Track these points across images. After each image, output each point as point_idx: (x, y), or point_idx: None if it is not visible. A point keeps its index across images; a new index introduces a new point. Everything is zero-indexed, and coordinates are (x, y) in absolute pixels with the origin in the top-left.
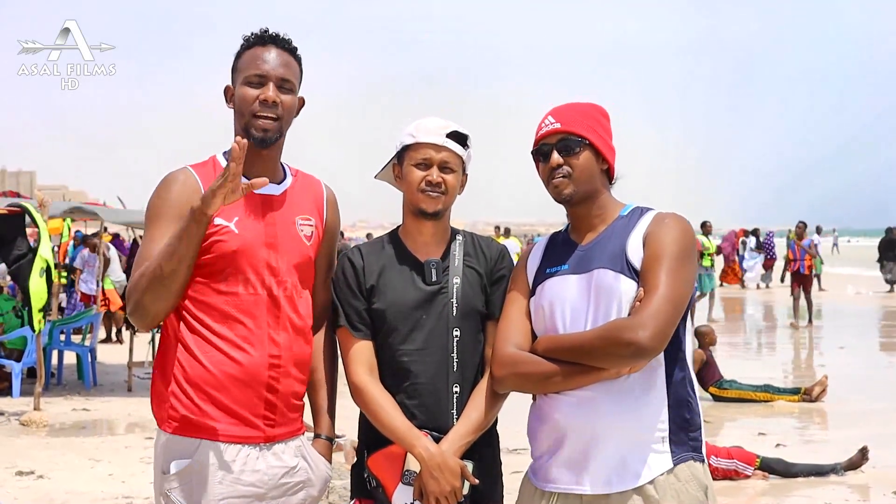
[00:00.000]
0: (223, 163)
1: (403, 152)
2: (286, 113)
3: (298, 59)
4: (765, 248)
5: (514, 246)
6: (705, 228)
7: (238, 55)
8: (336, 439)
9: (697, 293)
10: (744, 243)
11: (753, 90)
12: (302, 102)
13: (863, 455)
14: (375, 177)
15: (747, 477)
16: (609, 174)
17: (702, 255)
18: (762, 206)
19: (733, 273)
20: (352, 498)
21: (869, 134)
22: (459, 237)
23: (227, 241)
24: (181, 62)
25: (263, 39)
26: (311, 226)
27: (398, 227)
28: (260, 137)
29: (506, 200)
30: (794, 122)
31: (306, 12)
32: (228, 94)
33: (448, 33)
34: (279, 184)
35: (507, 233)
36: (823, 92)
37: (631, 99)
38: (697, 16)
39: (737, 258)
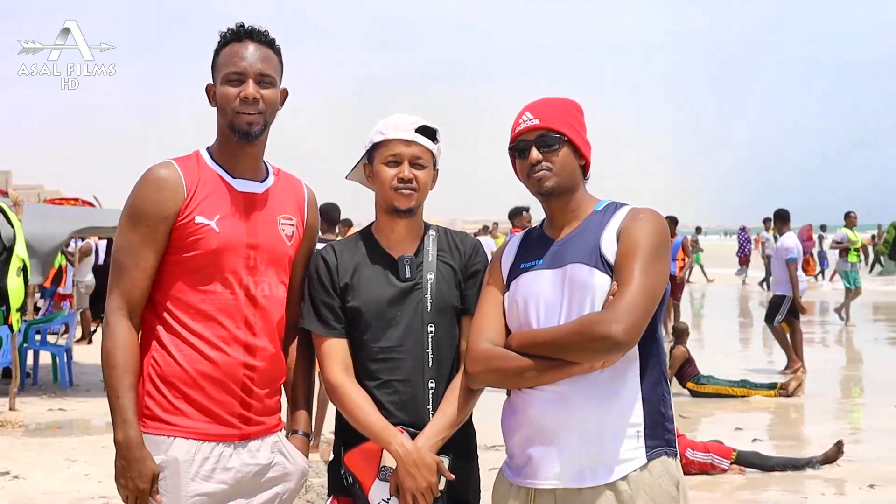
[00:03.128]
0: (206, 158)
1: (373, 150)
2: (268, 107)
3: (277, 51)
4: (739, 243)
5: (489, 243)
6: (849, 221)
7: (216, 52)
8: (311, 436)
9: (849, 288)
10: (820, 238)
11: (743, 87)
12: (285, 94)
13: (838, 449)
14: (346, 177)
15: (724, 471)
16: (585, 169)
17: (848, 251)
18: (748, 203)
19: (810, 267)
20: (329, 495)
21: (860, 132)
22: (432, 232)
23: (208, 239)
24: (150, 59)
25: (239, 35)
26: (293, 225)
27: (371, 224)
28: (245, 131)
29: (494, 196)
30: (783, 120)
31: (311, 9)
32: (211, 92)
33: (444, 30)
34: (262, 182)
35: (485, 230)
36: (814, 89)
37: (619, 95)
38: (686, 12)
39: (812, 253)
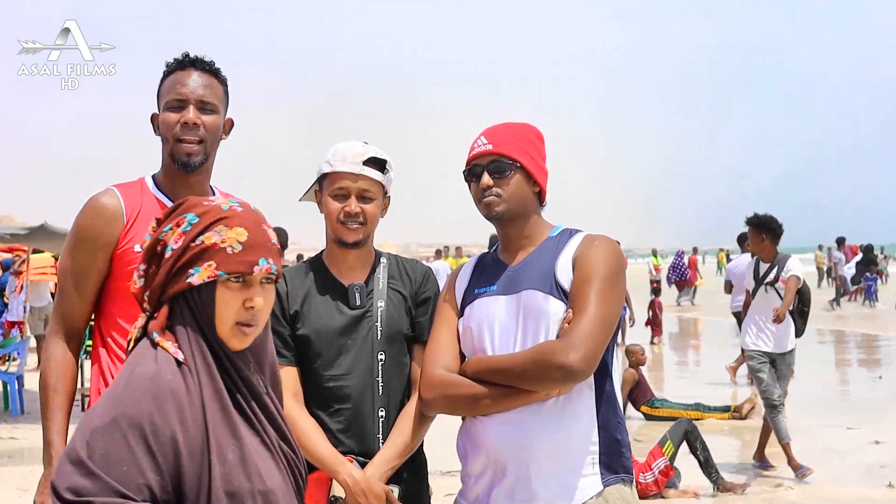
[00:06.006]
0: (151, 185)
1: (323, 179)
2: (209, 134)
3: (222, 81)
4: (674, 268)
5: (445, 267)
6: None
7: (161, 82)
8: None
9: None
10: (885, 258)
11: (711, 106)
12: (230, 124)
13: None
14: (300, 200)
15: (669, 468)
16: (540, 197)
17: None
18: (714, 226)
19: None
20: None
21: (828, 153)
22: (384, 260)
23: None
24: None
25: (183, 64)
26: None
27: (322, 251)
28: (184, 162)
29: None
30: (750, 142)
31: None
32: (155, 122)
33: (399, 50)
34: None
35: (438, 254)
36: (784, 110)
37: (582, 112)
38: (652, 27)
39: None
